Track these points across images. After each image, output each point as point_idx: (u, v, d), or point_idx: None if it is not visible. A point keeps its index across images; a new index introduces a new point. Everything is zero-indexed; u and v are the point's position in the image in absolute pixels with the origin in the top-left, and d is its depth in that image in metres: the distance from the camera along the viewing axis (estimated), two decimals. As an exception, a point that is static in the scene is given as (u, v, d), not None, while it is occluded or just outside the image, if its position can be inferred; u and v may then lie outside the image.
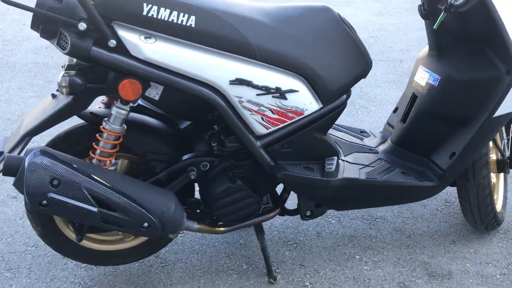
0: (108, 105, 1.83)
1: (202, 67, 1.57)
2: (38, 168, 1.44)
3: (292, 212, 1.97)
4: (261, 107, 1.66)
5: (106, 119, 1.63)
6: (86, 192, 1.48)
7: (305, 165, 1.80)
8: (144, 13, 1.50)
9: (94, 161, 1.66)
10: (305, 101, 1.70)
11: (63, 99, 1.61)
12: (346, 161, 1.94)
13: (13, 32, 4.71)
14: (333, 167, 1.78)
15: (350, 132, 2.21)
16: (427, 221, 2.35)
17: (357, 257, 2.12)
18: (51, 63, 4.04)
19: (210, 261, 2.07)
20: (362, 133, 2.24)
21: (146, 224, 1.57)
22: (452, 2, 1.74)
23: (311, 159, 1.82)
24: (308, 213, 1.92)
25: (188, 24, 1.54)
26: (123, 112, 1.61)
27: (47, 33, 1.54)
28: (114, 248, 1.90)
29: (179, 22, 1.53)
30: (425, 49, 2.11)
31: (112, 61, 1.50)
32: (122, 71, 1.54)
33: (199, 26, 1.54)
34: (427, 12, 1.91)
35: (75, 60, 1.58)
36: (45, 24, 1.51)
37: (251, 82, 1.62)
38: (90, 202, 1.49)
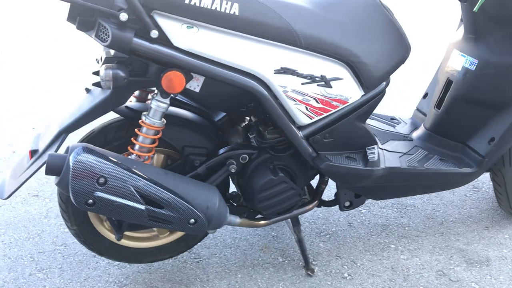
0: (140, 99, 1.78)
1: (246, 57, 1.51)
2: (84, 166, 1.38)
3: (330, 203, 1.93)
4: (306, 97, 1.61)
5: (145, 113, 1.57)
6: (133, 189, 1.42)
7: (347, 155, 1.76)
8: (186, 1, 1.44)
9: (133, 156, 1.60)
10: (349, 89, 1.65)
11: (99, 94, 1.54)
12: (385, 149, 1.90)
13: (13, 25, 4.60)
14: (376, 156, 1.74)
15: (382, 119, 2.17)
16: (457, 207, 2.33)
17: (392, 246, 2.09)
18: (57, 57, 3.95)
19: (245, 255, 2.03)
20: (392, 120, 2.20)
21: (192, 220, 1.52)
22: None
23: (352, 149, 1.77)
24: (347, 203, 1.89)
25: (231, 12, 1.47)
26: (164, 105, 1.55)
27: (84, 25, 1.47)
28: (150, 245, 1.85)
29: (223, 10, 1.46)
30: (458, 33, 2.06)
31: (154, 53, 1.44)
32: (165, 63, 1.47)
33: (243, 14, 1.48)
34: (465, -6, 1.87)
35: (112, 52, 1.51)
36: (83, 15, 1.45)
37: (296, 70, 1.56)
38: (137, 200, 1.43)
